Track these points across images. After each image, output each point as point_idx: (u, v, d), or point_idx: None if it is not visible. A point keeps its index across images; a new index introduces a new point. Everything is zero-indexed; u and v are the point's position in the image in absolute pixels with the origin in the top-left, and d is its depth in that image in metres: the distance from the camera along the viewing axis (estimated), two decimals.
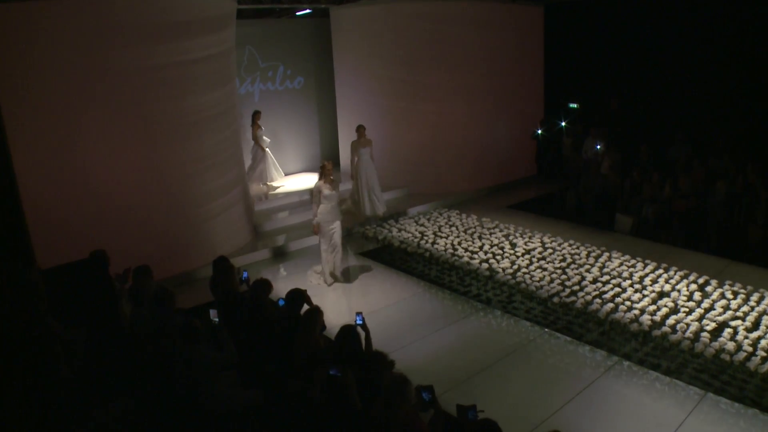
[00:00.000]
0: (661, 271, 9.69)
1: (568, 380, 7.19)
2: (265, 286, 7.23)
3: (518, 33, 15.33)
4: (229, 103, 11.19)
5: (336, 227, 10.06)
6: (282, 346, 6.42)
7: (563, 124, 16.00)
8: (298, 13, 15.55)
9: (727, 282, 9.24)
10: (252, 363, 6.57)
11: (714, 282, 9.21)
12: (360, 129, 12.51)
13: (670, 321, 7.90)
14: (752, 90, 14.30)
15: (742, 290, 8.93)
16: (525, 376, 7.31)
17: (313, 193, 9.98)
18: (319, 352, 5.97)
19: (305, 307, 6.73)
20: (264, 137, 14.06)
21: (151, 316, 6.78)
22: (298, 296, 6.93)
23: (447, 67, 14.37)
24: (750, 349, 7.21)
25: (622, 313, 8.18)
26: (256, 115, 13.92)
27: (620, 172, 13.49)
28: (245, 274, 7.85)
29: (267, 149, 14.15)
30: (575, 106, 17.22)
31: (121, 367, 6.33)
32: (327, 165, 9.84)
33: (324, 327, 6.76)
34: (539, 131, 16.09)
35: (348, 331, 5.90)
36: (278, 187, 14.60)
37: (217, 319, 6.49)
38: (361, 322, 6.40)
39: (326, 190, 9.79)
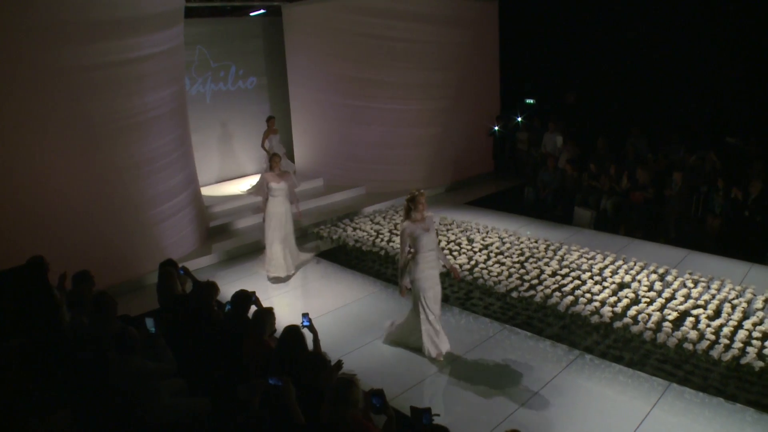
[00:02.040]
0: (620, 262, 9.56)
1: (530, 376, 6.94)
2: (211, 288, 6.90)
3: (473, 28, 15.13)
4: (177, 103, 10.78)
5: (437, 284, 7.38)
6: (230, 350, 6.08)
7: (519, 119, 15.92)
8: (252, 14, 15.22)
9: (687, 271, 9.14)
10: (199, 370, 6.22)
11: (674, 272, 9.12)
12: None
13: (632, 312, 7.74)
14: (707, 82, 14.36)
15: (703, 279, 8.85)
16: (485, 374, 7.03)
17: (402, 239, 7.14)
18: (269, 355, 5.65)
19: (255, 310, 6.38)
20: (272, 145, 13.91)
21: (90, 323, 6.42)
22: (245, 298, 6.58)
23: (401, 64, 14.13)
24: (713, 337, 7.08)
25: (583, 306, 7.99)
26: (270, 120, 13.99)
27: (578, 166, 13.41)
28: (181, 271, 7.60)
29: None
30: (532, 101, 17.21)
31: (61, 377, 5.94)
32: (419, 196, 7.05)
33: (275, 329, 6.42)
34: (496, 128, 15.99)
35: (292, 332, 5.57)
36: None
37: (153, 328, 6.12)
38: (308, 324, 6.10)
39: (419, 232, 7.06)
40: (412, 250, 7.18)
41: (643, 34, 15.16)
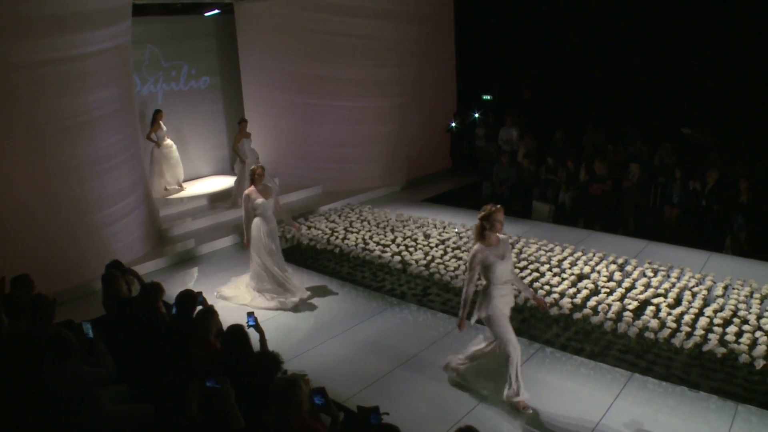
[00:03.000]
0: (579, 254, 9.43)
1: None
2: (156, 290, 6.55)
3: (429, 24, 14.95)
4: (125, 101, 10.37)
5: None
6: (176, 353, 5.76)
7: (477, 115, 15.82)
8: (207, 14, 14.86)
9: (647, 261, 9.03)
10: (145, 374, 5.89)
11: (633, 261, 9.01)
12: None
13: (591, 303, 7.58)
14: (663, 74, 14.41)
15: (662, 268, 8.75)
16: (444, 372, 6.80)
17: (472, 266, 5.94)
18: (216, 356, 5.35)
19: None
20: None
21: (27, 327, 6.09)
22: (190, 298, 6.25)
23: (357, 61, 13.88)
24: (674, 325, 6.96)
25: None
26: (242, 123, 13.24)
27: (536, 160, 13.32)
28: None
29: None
30: (489, 97, 17.15)
31: None
32: (496, 213, 5.82)
33: (221, 329, 6.11)
34: (453, 124, 15.84)
35: (235, 332, 5.27)
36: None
37: (91, 333, 5.78)
38: (253, 324, 5.82)
39: (493, 259, 5.89)
40: (481, 281, 6.04)
41: (597, 28, 15.18)
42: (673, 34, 14.11)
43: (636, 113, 14.48)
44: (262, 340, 5.89)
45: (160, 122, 13.35)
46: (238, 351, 5.19)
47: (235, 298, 8.83)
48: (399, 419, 5.70)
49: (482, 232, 5.86)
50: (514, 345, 5.90)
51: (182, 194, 13.68)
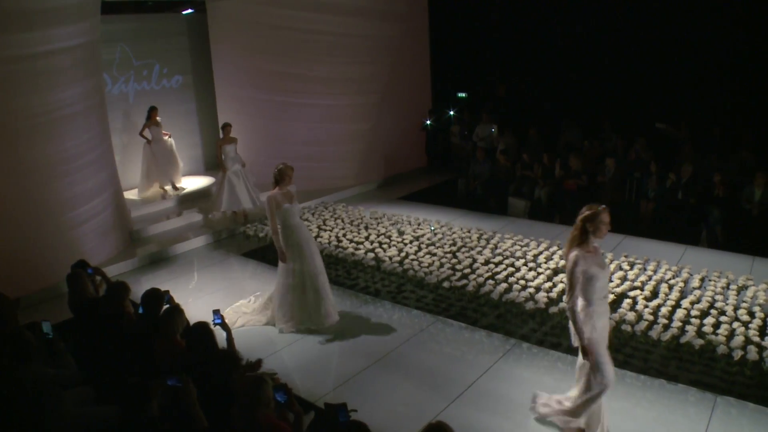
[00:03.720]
0: (555, 248, 9.32)
1: (465, 368, 6.59)
2: (122, 289, 6.37)
3: (403, 21, 14.81)
4: (94, 100, 10.14)
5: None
6: (143, 353, 5.57)
7: (451, 113, 15.74)
8: (184, 12, 14.63)
9: (623, 254, 8.94)
10: (111, 376, 5.69)
11: (609, 254, 8.92)
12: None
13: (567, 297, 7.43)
14: (637, 69, 14.43)
15: (638, 261, 8.66)
16: (418, 368, 6.65)
17: (573, 277, 4.94)
18: (181, 355, 5.18)
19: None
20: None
21: None
22: (156, 297, 6.08)
23: (330, 58, 13.70)
24: (651, 317, 6.87)
25: (517, 293, 7.66)
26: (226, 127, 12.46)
27: (513, 156, 13.25)
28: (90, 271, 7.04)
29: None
30: (464, 95, 17.09)
31: None
32: (603, 214, 4.98)
33: (188, 328, 5.93)
34: (428, 122, 15.73)
35: (200, 330, 5.10)
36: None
37: (51, 333, 5.59)
38: (219, 321, 5.70)
39: (596, 269, 4.94)
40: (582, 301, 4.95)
41: (572, 24, 15.18)
42: (646, 30, 14.15)
43: (611, 108, 14.47)
44: (229, 338, 5.76)
45: (157, 119, 13.12)
46: (202, 349, 5.03)
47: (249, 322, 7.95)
48: (372, 417, 5.58)
49: (584, 236, 4.95)
50: (610, 379, 4.96)
51: (153, 195, 13.43)
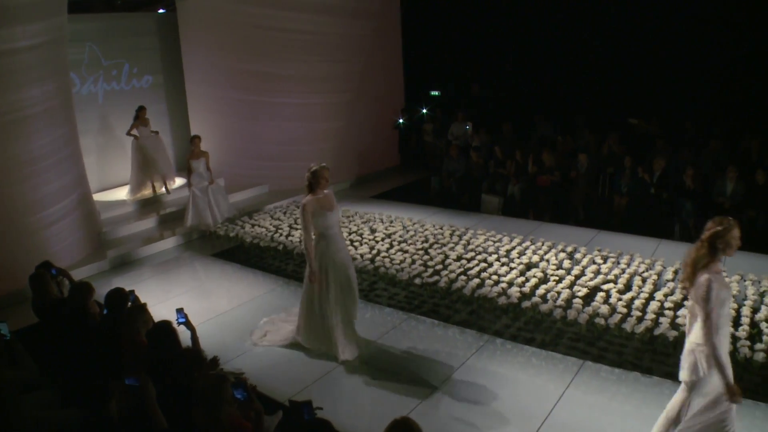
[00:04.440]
0: (528, 243, 9.26)
1: (438, 365, 6.47)
2: (85, 290, 6.18)
3: (375, 19, 14.67)
4: (61, 99, 9.90)
5: None
6: (107, 354, 5.40)
7: (424, 111, 15.66)
8: (159, 11, 14.43)
9: (596, 248, 8.89)
10: (76, 378, 5.52)
11: (583, 249, 8.87)
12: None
13: (540, 291, 7.40)
14: (608, 67, 14.47)
15: (612, 255, 8.62)
16: (390, 366, 6.52)
17: (709, 305, 4.12)
18: (145, 354, 5.01)
19: None
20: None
21: None
22: (120, 297, 5.90)
23: (302, 57, 13.53)
24: (624, 310, 6.82)
25: (489, 288, 7.57)
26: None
27: (485, 154, 13.18)
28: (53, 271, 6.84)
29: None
30: (437, 93, 17.02)
31: None
32: (732, 228, 4.20)
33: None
34: (401, 120, 15.63)
35: (162, 328, 4.93)
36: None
37: (8, 335, 5.40)
38: (183, 320, 5.53)
39: (725, 292, 4.24)
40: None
41: (544, 21, 15.19)
42: (618, 27, 14.18)
43: (584, 104, 14.48)
44: (194, 337, 5.60)
45: (146, 118, 12.86)
46: (164, 348, 4.87)
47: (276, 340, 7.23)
48: (342, 416, 5.52)
49: (713, 255, 4.21)
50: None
51: (123, 197, 13.17)
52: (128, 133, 12.72)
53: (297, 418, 3.86)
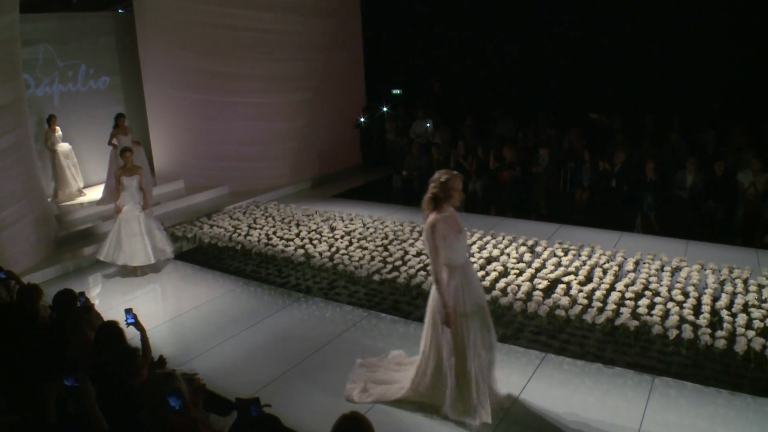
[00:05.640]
0: (488, 237, 9.17)
1: None
2: (33, 292, 5.95)
3: (335, 18, 14.53)
4: (12, 101, 9.63)
5: None
6: (56, 357, 5.19)
7: (385, 109, 15.57)
8: (120, 10, 14.15)
9: (557, 241, 8.84)
10: (22, 383, 5.30)
11: (543, 242, 8.82)
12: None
13: (500, 284, 7.30)
14: (568, 63, 14.52)
15: (573, 247, 8.57)
16: (350, 363, 6.33)
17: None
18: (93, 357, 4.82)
19: None
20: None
21: None
22: (68, 297, 5.70)
23: (261, 56, 13.35)
24: (585, 301, 6.77)
25: None
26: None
27: (447, 150, 13.11)
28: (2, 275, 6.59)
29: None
30: (398, 92, 16.95)
31: None
32: None
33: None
34: (362, 119, 15.52)
35: (107, 328, 4.75)
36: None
37: None
38: (133, 321, 5.33)
39: None
40: None
41: (502, 18, 15.21)
42: (577, 23, 14.22)
43: (544, 100, 14.51)
44: (144, 338, 5.40)
45: (125, 126, 12.28)
46: (109, 349, 4.68)
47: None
48: (301, 414, 5.40)
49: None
50: None
51: (81, 199, 12.98)
52: (109, 143, 12.14)
53: (244, 415, 3.72)
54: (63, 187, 12.94)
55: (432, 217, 5.02)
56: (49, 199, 12.59)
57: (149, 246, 9.10)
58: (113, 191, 10.07)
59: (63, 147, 12.86)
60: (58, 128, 12.74)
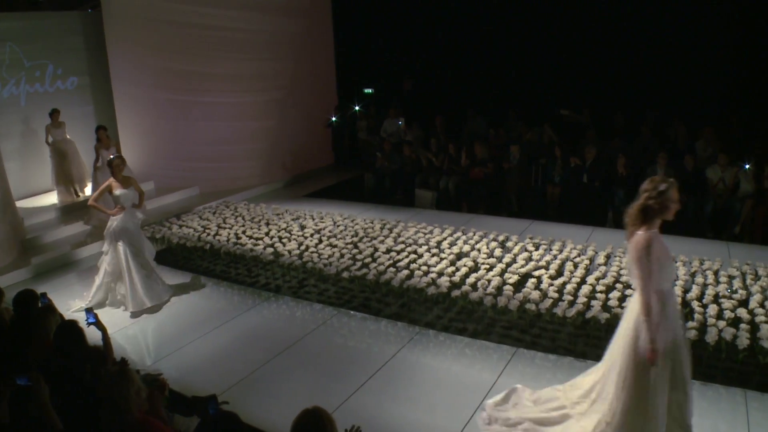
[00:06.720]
0: (459, 234, 9.11)
1: (368, 358, 6.27)
2: None
3: (306, 17, 14.42)
4: None
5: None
6: (16, 359, 5.05)
7: (357, 108, 15.49)
8: (89, 10, 13.95)
9: (528, 236, 8.80)
10: None
11: (515, 237, 8.77)
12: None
13: (470, 280, 7.24)
14: (537, 59, 14.53)
15: (544, 242, 8.54)
16: (319, 361, 6.30)
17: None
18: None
19: None
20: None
21: None
22: (30, 298, 5.57)
23: (231, 55, 13.21)
24: (556, 295, 6.72)
25: (419, 279, 7.38)
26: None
27: (418, 148, 13.05)
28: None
29: None
30: (370, 91, 16.89)
31: None
32: None
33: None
34: (333, 118, 15.41)
35: (66, 328, 4.63)
36: None
37: None
38: (93, 321, 5.24)
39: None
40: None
41: (473, 15, 15.20)
42: (546, 19, 14.24)
43: (515, 97, 14.51)
44: (105, 338, 5.30)
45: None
46: (68, 348, 4.56)
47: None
48: (269, 412, 5.31)
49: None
50: None
51: (47, 203, 12.73)
52: (95, 164, 11.74)
53: (202, 414, 3.62)
54: (58, 185, 12.77)
55: (645, 234, 4.10)
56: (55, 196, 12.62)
57: (144, 290, 7.76)
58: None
59: (59, 144, 12.67)
60: (63, 123, 12.63)
